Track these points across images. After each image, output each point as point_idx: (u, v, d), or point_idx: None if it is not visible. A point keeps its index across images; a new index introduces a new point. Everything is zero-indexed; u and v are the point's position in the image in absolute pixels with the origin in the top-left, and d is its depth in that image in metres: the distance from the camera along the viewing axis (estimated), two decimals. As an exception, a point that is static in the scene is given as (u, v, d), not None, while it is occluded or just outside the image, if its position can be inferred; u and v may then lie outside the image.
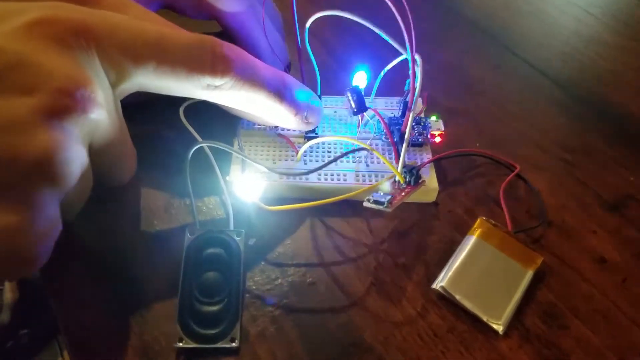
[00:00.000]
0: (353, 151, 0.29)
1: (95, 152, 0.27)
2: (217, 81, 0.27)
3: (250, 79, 0.28)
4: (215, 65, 0.27)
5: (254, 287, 0.29)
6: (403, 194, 0.29)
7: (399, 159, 0.30)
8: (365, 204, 0.29)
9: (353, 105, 0.31)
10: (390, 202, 0.28)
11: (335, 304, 0.28)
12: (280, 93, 0.30)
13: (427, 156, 0.34)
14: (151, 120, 0.37)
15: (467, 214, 0.33)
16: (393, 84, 0.35)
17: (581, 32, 0.50)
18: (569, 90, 0.43)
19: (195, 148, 0.29)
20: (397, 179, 0.30)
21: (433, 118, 0.34)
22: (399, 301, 0.28)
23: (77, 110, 0.23)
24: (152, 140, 0.36)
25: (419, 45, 0.29)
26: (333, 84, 0.37)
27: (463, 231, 0.32)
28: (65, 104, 0.22)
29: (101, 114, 0.25)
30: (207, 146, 0.33)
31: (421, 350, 0.27)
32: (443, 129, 0.34)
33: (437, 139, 0.33)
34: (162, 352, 0.26)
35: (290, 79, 0.31)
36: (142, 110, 0.34)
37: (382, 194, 0.29)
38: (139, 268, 0.29)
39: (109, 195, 0.32)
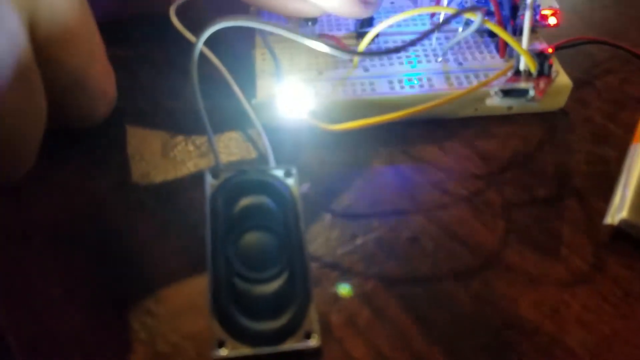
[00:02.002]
0: (461, 12, 0.18)
1: (45, 46, 0.16)
2: None
3: None
4: None
5: (323, 252, 0.18)
6: (542, 84, 0.19)
7: (506, 46, 0.20)
8: (491, 101, 0.18)
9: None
10: (535, 88, 0.17)
11: (458, 264, 0.18)
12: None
13: (539, 45, 0.23)
14: (133, 40, 0.26)
15: (610, 121, 0.22)
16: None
17: None
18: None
19: (209, 32, 0.18)
20: (522, 67, 0.19)
21: (538, -5, 0.24)
22: (557, 251, 0.18)
23: None
24: (134, 64, 0.25)
25: None
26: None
27: (614, 143, 0.21)
28: None
29: None
30: (222, 67, 0.22)
31: (614, 320, 0.16)
32: (557, 6, 0.23)
33: (553, 20, 0.23)
34: (189, 371, 0.15)
35: None
36: (121, 30, 0.23)
37: (509, 83, 0.18)
38: (134, 244, 0.18)
39: (77, 139, 0.21)
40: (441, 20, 0.18)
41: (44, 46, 0.16)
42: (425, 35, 0.18)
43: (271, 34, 0.24)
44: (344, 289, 0.17)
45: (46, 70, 0.17)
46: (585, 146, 0.21)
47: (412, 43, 0.17)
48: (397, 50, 0.18)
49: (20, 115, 0.16)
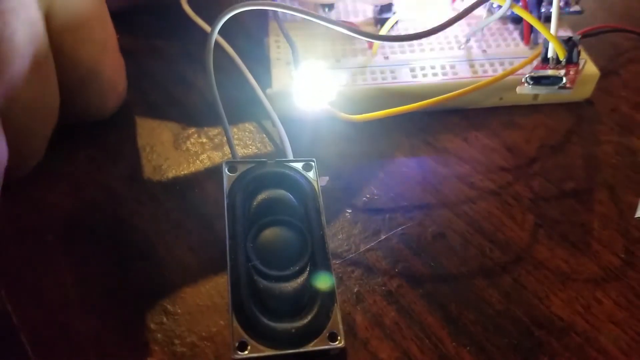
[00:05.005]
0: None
1: (59, 37, 0.15)
2: None
3: None
4: None
5: (345, 248, 0.17)
6: (572, 72, 0.18)
7: (531, 32, 0.19)
8: (521, 89, 0.17)
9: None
10: (567, 75, 0.16)
11: (486, 261, 0.17)
12: None
13: (564, 32, 0.22)
14: (144, 30, 0.25)
15: (637, 111, 0.22)
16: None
17: None
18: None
19: (225, 18, 0.17)
20: (550, 54, 0.19)
21: (562, -20, 0.23)
22: (588, 246, 0.17)
23: None
24: (144, 55, 0.24)
25: None
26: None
27: (643, 135, 0.21)
28: None
29: None
30: (235, 56, 0.21)
31: (649, 321, 0.16)
32: (583, -8, 0.22)
33: (576, 7, 0.22)
34: (209, 373, 0.15)
35: None
36: (129, 20, 0.22)
37: (540, 71, 0.17)
38: (148, 239, 0.17)
39: (88, 131, 0.21)
40: (468, 6, 0.17)
41: (58, 36, 0.16)
42: (450, 23, 0.17)
43: (286, 19, 0.23)
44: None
45: (59, 60, 0.16)
46: (613, 137, 0.21)
47: (434, 31, 0.17)
48: (418, 36, 0.17)
49: (34, 107, 0.15)
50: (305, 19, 0.17)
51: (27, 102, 0.15)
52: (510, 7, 0.18)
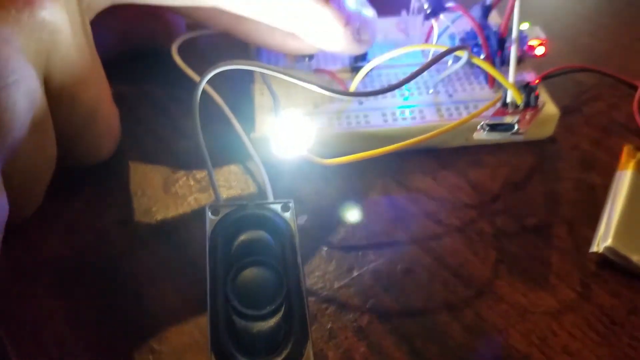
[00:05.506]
0: (452, 51, 0.19)
1: (57, 96, 0.17)
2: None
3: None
4: None
5: (320, 286, 0.19)
6: (527, 116, 0.19)
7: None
8: (478, 135, 0.19)
9: (426, 5, 0.22)
10: (519, 122, 0.18)
11: (451, 296, 0.18)
12: (324, -10, 0.20)
13: (527, 76, 0.24)
14: (136, 77, 0.27)
15: (597, 148, 0.23)
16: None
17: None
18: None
19: (209, 76, 0.19)
20: (508, 100, 0.20)
21: (524, 25, 0.25)
22: (546, 280, 0.19)
23: (15, 0, 0.14)
24: (136, 100, 0.26)
25: None
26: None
27: (601, 170, 0.22)
28: None
29: (57, 18, 0.15)
30: (222, 102, 0.23)
31: (600, 348, 0.17)
32: (544, 36, 0.24)
33: (540, 50, 0.24)
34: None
35: (333, -27, 0.21)
36: (121, 67, 0.23)
37: (495, 118, 0.19)
38: (136, 280, 0.19)
39: (83, 176, 0.22)
40: (430, 58, 0.19)
41: (56, 94, 0.17)
42: (414, 76, 0.18)
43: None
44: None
45: (56, 114, 0.18)
46: (574, 173, 0.22)
47: (401, 83, 0.18)
48: (386, 90, 0.18)
49: (33, 163, 0.16)
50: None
51: (26, 160, 0.16)
52: (470, 58, 0.20)
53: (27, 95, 0.15)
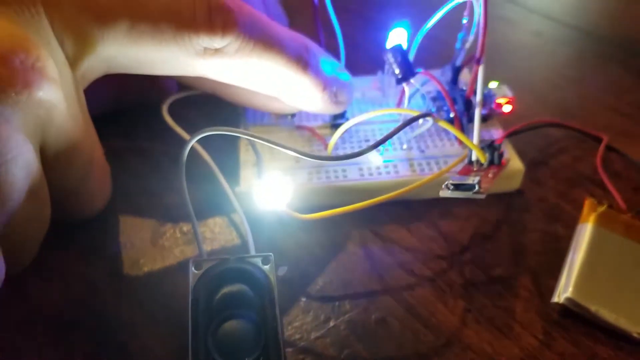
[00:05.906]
0: (417, 118, 0.21)
1: (52, 162, 0.18)
2: (218, 41, 0.19)
3: (262, 38, 0.20)
4: (213, 18, 0.19)
5: (298, 337, 0.20)
6: (490, 175, 0.21)
7: (465, 135, 0.22)
8: (443, 193, 0.20)
9: (397, 71, 0.23)
10: (479, 183, 0.19)
11: (420, 346, 0.19)
12: (303, 59, 0.21)
13: (495, 132, 0.26)
14: (125, 133, 0.28)
15: (563, 200, 0.24)
16: (429, 54, 0.27)
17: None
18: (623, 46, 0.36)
19: (194, 140, 0.20)
20: (473, 158, 0.22)
21: (493, 84, 0.27)
22: (510, 329, 0.20)
23: (15, 84, 0.15)
24: (127, 155, 0.27)
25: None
26: (356, 59, 0.29)
27: (566, 222, 0.23)
28: None
29: (53, 96, 0.17)
30: (208, 156, 0.24)
31: (562, 399, 0.18)
32: (511, 95, 0.26)
33: (507, 108, 0.25)
34: None
35: (312, 43, 0.23)
36: (113, 122, 0.25)
37: (458, 177, 0.20)
38: (123, 330, 0.20)
39: (75, 229, 0.23)
40: (400, 123, 0.20)
41: (51, 160, 0.18)
42: (385, 139, 0.20)
43: (255, 125, 0.27)
44: None
45: (51, 178, 0.19)
46: (539, 225, 0.23)
47: (373, 147, 0.20)
48: (358, 154, 0.20)
49: (28, 224, 0.18)
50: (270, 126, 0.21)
51: (23, 223, 0.17)
52: (435, 121, 0.21)
53: (24, 168, 0.16)
